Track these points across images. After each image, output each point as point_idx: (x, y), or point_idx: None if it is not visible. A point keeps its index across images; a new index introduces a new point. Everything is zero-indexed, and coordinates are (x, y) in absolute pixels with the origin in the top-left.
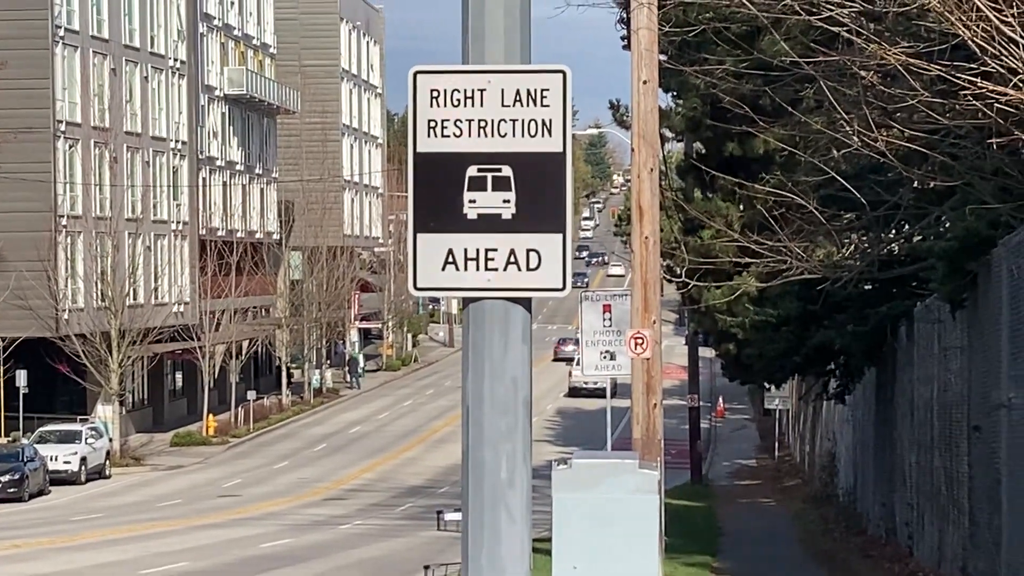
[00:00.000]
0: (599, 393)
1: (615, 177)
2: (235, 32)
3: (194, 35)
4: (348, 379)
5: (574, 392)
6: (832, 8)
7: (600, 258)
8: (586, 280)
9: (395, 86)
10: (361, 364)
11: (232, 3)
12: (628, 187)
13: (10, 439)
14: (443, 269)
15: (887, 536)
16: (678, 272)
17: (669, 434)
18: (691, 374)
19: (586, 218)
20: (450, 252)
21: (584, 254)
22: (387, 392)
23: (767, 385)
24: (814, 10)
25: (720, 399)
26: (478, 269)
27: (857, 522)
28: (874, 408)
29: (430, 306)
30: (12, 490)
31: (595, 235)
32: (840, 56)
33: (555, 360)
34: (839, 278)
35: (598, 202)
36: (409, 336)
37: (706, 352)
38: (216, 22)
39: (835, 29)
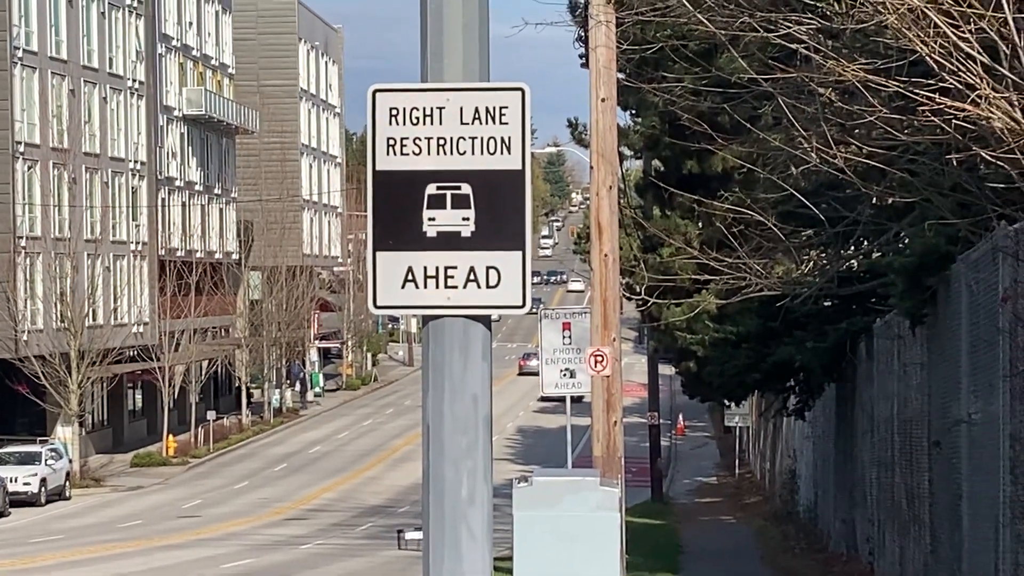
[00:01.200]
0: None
1: (574, 195)
2: (193, 52)
3: (152, 56)
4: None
5: (547, 398)
6: (789, 25)
7: (559, 276)
8: (541, 304)
9: (354, 106)
10: (321, 384)
11: (190, 24)
12: (587, 205)
13: None
14: (403, 287)
15: (848, 552)
16: (638, 290)
17: (630, 452)
18: (651, 392)
19: (545, 236)
20: (410, 270)
21: (536, 279)
22: (347, 411)
23: (727, 402)
24: (771, 27)
25: (680, 416)
26: (438, 287)
27: (818, 539)
28: (834, 424)
29: (389, 325)
30: None
31: (554, 253)
32: (798, 73)
33: (520, 374)
34: (798, 294)
35: (557, 220)
36: (369, 355)
37: (666, 370)
38: (174, 43)
39: (793, 46)
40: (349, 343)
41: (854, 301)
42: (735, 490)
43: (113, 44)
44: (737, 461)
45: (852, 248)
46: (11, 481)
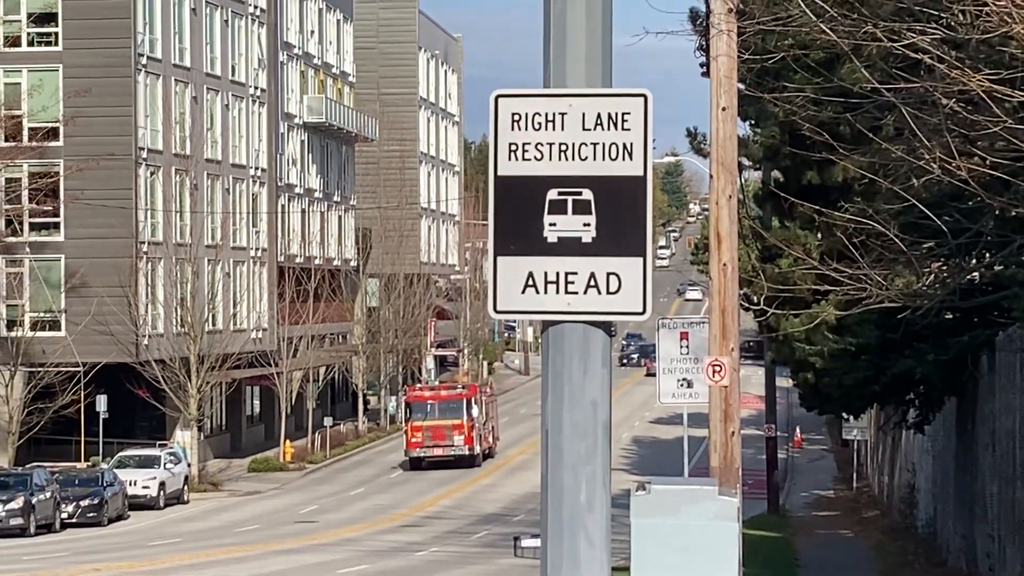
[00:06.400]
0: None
1: (691, 206)
2: (315, 61)
3: (274, 64)
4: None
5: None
6: (913, 35)
7: (676, 287)
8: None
9: (472, 115)
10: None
11: (312, 32)
12: (705, 216)
13: (90, 464)
14: (523, 292)
15: (968, 568)
16: (756, 300)
17: (746, 464)
18: (768, 404)
19: (662, 247)
20: (530, 275)
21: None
22: None
23: (845, 415)
24: (895, 37)
25: (798, 429)
26: (558, 292)
27: (937, 553)
28: (954, 438)
29: (505, 334)
30: (92, 514)
31: (671, 264)
32: (921, 83)
33: (648, 375)
34: (919, 307)
35: (674, 231)
36: (484, 364)
37: (783, 382)
38: (296, 51)
39: (916, 56)
40: (465, 351)
41: (976, 313)
42: (853, 504)
43: (236, 52)
44: (855, 474)
45: (974, 260)
46: (131, 484)
